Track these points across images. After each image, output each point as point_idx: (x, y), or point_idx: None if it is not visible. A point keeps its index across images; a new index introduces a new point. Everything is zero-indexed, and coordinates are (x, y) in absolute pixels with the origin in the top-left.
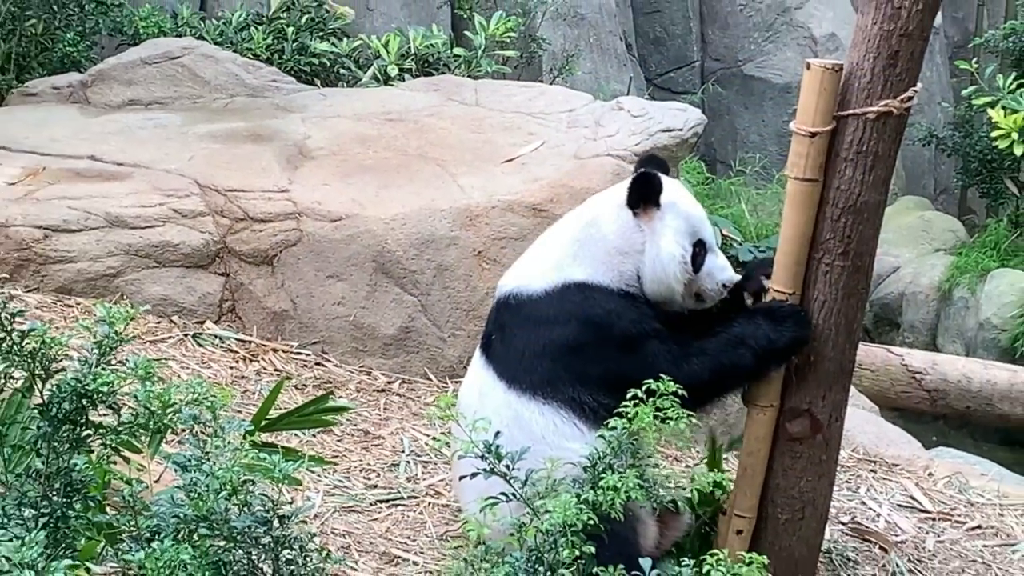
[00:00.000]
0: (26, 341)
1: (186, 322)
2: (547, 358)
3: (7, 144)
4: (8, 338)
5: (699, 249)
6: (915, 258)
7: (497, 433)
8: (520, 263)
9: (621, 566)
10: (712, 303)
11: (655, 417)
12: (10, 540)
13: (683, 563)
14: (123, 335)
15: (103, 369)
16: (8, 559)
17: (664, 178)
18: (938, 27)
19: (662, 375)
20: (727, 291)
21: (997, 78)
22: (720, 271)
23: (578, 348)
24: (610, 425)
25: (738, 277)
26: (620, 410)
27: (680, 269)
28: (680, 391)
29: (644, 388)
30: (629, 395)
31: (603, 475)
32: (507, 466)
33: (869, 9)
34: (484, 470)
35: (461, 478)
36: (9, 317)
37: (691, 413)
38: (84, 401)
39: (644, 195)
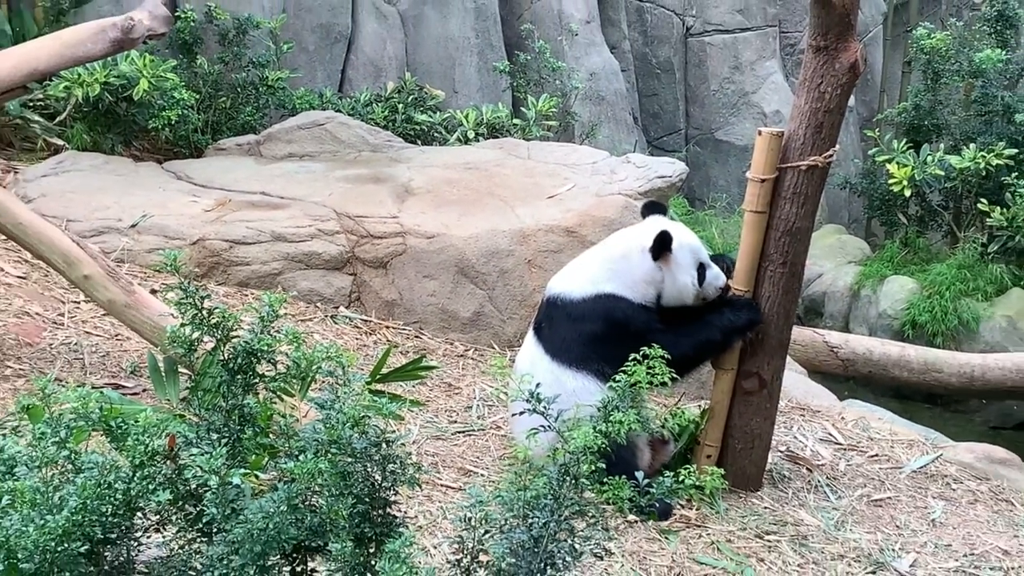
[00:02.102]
0: (213, 316)
1: (326, 307)
2: (581, 343)
3: (205, 183)
4: (200, 314)
5: (701, 269)
6: (834, 267)
7: (538, 384)
8: (564, 274)
9: (624, 476)
10: (711, 299)
11: (647, 375)
12: (202, 454)
13: (665, 475)
14: (278, 313)
15: (265, 335)
16: (201, 467)
17: (672, 228)
18: (851, 106)
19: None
20: (721, 290)
21: (893, 143)
22: (716, 279)
23: (604, 338)
24: (617, 379)
25: (725, 280)
26: (623, 369)
27: (692, 291)
28: (672, 364)
29: (641, 354)
30: (630, 359)
31: (612, 413)
32: (545, 407)
33: (802, 93)
34: (530, 410)
35: (513, 415)
36: (200, 300)
37: (677, 377)
38: (252, 358)
39: (661, 249)
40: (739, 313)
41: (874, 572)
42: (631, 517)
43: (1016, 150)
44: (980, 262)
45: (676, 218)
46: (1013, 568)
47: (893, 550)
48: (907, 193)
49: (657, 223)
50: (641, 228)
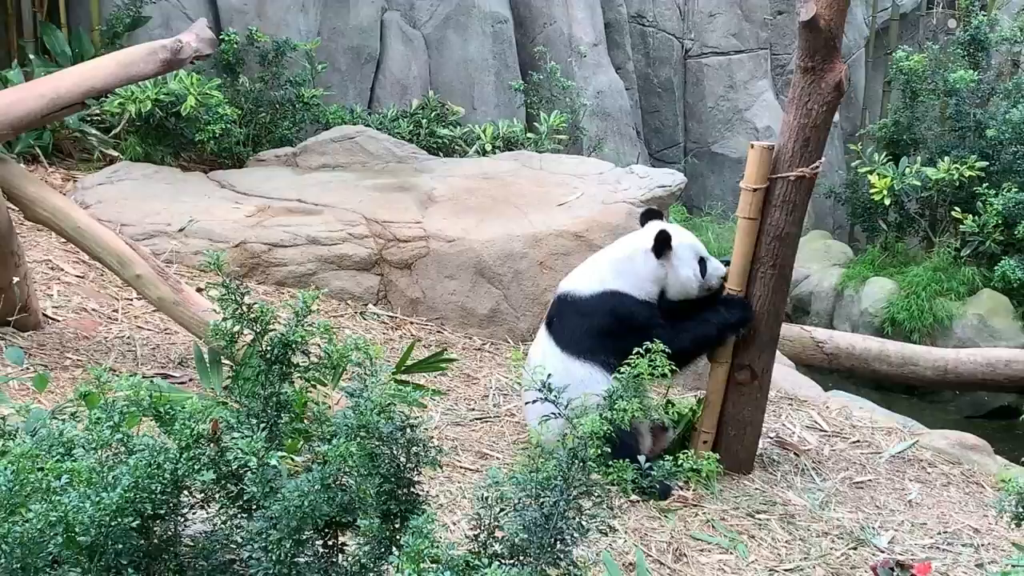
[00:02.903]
0: (252, 312)
1: (356, 304)
2: (589, 336)
3: (246, 191)
4: (241, 310)
5: (703, 263)
6: (820, 269)
7: (549, 375)
8: (573, 275)
9: (627, 459)
10: (715, 289)
11: (648, 367)
12: (243, 438)
13: (665, 458)
14: (311, 309)
15: (300, 329)
16: (242, 450)
17: (670, 228)
18: (836, 122)
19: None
20: (723, 279)
21: (874, 155)
22: (717, 269)
23: (610, 331)
24: (621, 371)
25: (725, 269)
26: (627, 362)
27: (695, 283)
28: (672, 357)
29: (643, 348)
30: (633, 352)
31: (616, 402)
32: (556, 396)
33: (791, 110)
34: (542, 398)
35: (527, 404)
36: (241, 297)
37: (676, 369)
38: (288, 350)
39: (663, 247)
40: (733, 311)
41: (855, 548)
42: (633, 497)
43: (986, 163)
44: (953, 265)
45: (674, 222)
46: (983, 544)
47: (873, 528)
48: (887, 202)
49: (657, 226)
50: (643, 232)
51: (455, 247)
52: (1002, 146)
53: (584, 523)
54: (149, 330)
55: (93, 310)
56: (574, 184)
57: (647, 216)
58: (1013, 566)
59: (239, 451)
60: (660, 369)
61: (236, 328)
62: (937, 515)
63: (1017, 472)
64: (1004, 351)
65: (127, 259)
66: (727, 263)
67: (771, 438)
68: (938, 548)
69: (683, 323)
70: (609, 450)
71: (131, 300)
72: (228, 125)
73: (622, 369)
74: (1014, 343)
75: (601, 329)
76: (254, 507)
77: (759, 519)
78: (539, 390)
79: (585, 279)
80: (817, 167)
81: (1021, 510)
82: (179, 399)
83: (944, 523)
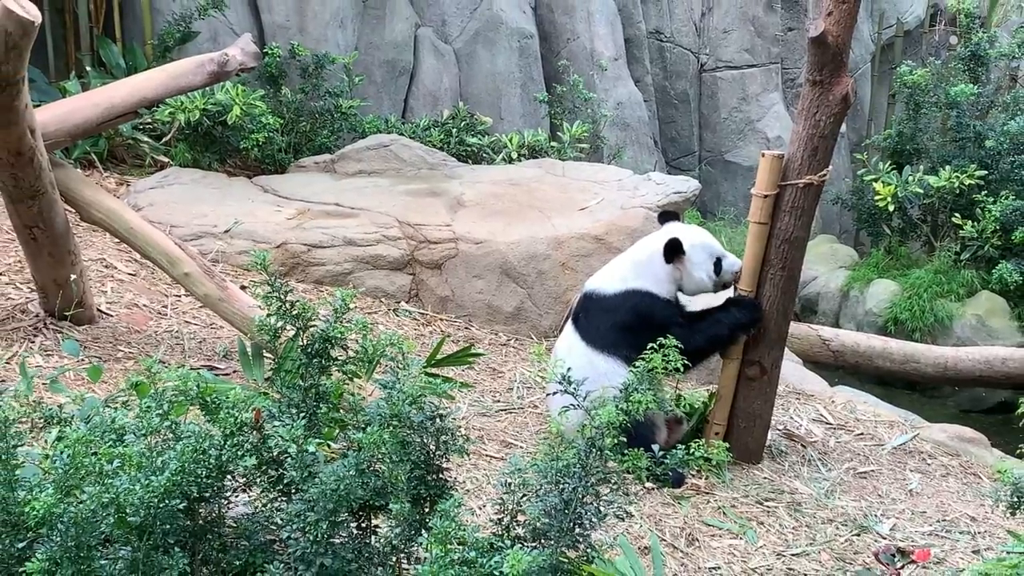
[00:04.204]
0: (294, 309)
1: (389, 302)
2: (613, 331)
3: (287, 195)
4: (283, 306)
5: (718, 262)
6: (827, 272)
7: (570, 368)
8: (598, 275)
9: (642, 449)
10: (731, 284)
11: (662, 362)
12: (283, 426)
13: (678, 447)
14: (348, 306)
15: (338, 325)
16: (282, 437)
17: (684, 232)
18: (843, 132)
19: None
20: (738, 275)
21: (879, 164)
22: (732, 265)
23: (632, 327)
24: (637, 365)
25: (740, 264)
26: (643, 356)
27: (708, 282)
28: (687, 355)
29: (657, 344)
30: (648, 348)
31: (632, 394)
32: (575, 388)
33: (801, 121)
34: (562, 391)
35: (549, 395)
36: (283, 294)
37: (690, 366)
38: (327, 344)
39: (673, 254)
40: (744, 311)
41: (859, 535)
42: (648, 485)
43: (985, 171)
44: (953, 268)
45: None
46: (979, 532)
47: (876, 516)
48: (891, 208)
49: (672, 229)
50: (661, 233)
51: (482, 248)
52: (1000, 156)
53: (602, 509)
54: (196, 325)
55: (144, 306)
56: (595, 190)
57: (665, 217)
58: (1008, 552)
59: (280, 438)
60: (673, 364)
61: (279, 324)
62: (936, 504)
63: (1012, 464)
64: (1001, 349)
65: (176, 258)
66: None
67: (779, 430)
68: (937, 535)
69: (698, 323)
70: (625, 440)
71: (179, 297)
72: (271, 133)
73: (637, 364)
74: (1010, 342)
75: (624, 324)
76: (293, 491)
77: (768, 506)
78: (559, 383)
79: (609, 278)
80: (824, 175)
81: (1016, 500)
82: (223, 389)
83: (943, 512)
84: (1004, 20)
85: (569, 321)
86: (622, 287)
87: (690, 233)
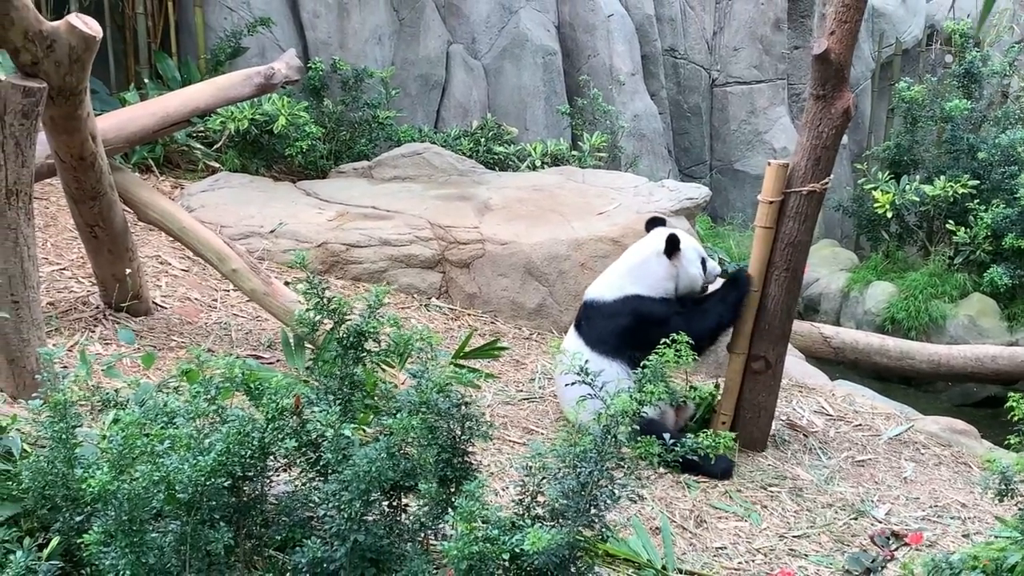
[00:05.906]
0: (332, 304)
1: (421, 298)
2: (615, 335)
3: (328, 199)
4: (322, 301)
5: (703, 263)
6: (828, 273)
7: (586, 360)
8: (597, 283)
9: (653, 436)
10: (711, 285)
11: (674, 356)
12: (321, 411)
13: (687, 435)
14: (382, 301)
15: (372, 319)
16: (320, 422)
17: (677, 233)
18: (844, 144)
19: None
20: (718, 277)
21: (878, 174)
22: (714, 269)
23: (633, 329)
24: (649, 358)
25: (720, 268)
26: (656, 351)
27: (700, 279)
28: (693, 340)
29: (670, 339)
30: (660, 343)
31: (644, 384)
32: (592, 379)
33: (804, 133)
34: (579, 381)
35: (565, 386)
36: (322, 291)
37: (698, 352)
38: (362, 337)
39: (673, 249)
40: (733, 289)
41: (856, 519)
42: (660, 469)
43: (978, 181)
44: (947, 271)
45: (677, 228)
46: (969, 518)
47: (872, 501)
48: (889, 215)
49: (663, 231)
50: (651, 238)
51: (507, 249)
52: (992, 167)
53: (616, 491)
54: (243, 317)
55: (195, 299)
56: (612, 196)
57: (652, 223)
58: (995, 536)
59: (318, 423)
60: (685, 358)
61: (317, 318)
62: (929, 491)
63: (1001, 454)
64: (991, 348)
65: (225, 256)
66: (745, 267)
67: (783, 421)
68: (929, 520)
69: (696, 310)
70: (638, 427)
71: (228, 291)
72: (313, 141)
73: (649, 358)
74: (1000, 341)
75: (625, 328)
76: (329, 471)
77: (771, 491)
78: (577, 374)
79: (607, 286)
80: (827, 183)
81: (1003, 487)
82: (267, 377)
83: (935, 498)
84: (997, 40)
85: (572, 328)
86: (620, 293)
87: (680, 234)
